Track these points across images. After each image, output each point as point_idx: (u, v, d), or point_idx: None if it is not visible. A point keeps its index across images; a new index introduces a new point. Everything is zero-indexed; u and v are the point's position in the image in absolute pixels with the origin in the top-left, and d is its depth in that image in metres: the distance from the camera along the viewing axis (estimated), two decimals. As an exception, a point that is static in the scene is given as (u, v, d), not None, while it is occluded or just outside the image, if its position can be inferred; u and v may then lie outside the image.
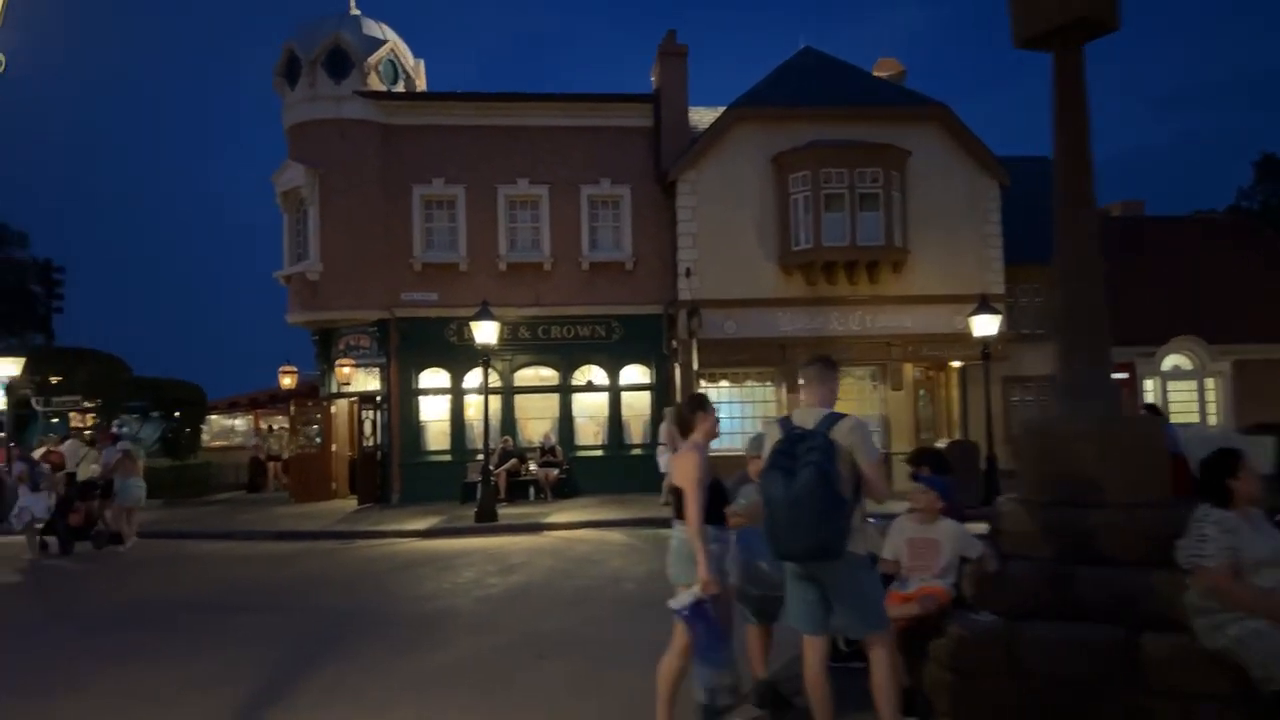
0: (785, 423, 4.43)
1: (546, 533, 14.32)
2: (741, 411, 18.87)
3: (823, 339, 18.30)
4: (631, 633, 7.24)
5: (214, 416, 28.24)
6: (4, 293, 32.69)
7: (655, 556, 11.47)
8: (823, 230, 17.84)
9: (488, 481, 15.10)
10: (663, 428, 16.58)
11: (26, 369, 21.13)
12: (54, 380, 22.10)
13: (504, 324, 16.35)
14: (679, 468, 4.59)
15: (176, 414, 23.56)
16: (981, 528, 5.67)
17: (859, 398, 19.06)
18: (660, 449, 16.34)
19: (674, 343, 18.42)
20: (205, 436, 27.15)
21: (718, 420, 4.83)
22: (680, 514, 4.57)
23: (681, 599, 4.36)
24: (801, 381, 4.59)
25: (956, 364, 19.24)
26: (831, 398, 4.52)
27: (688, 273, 18.17)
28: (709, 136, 18.46)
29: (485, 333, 15.21)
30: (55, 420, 22.13)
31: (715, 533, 4.51)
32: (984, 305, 15.87)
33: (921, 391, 19.25)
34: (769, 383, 18.95)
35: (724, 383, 18.93)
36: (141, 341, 50.12)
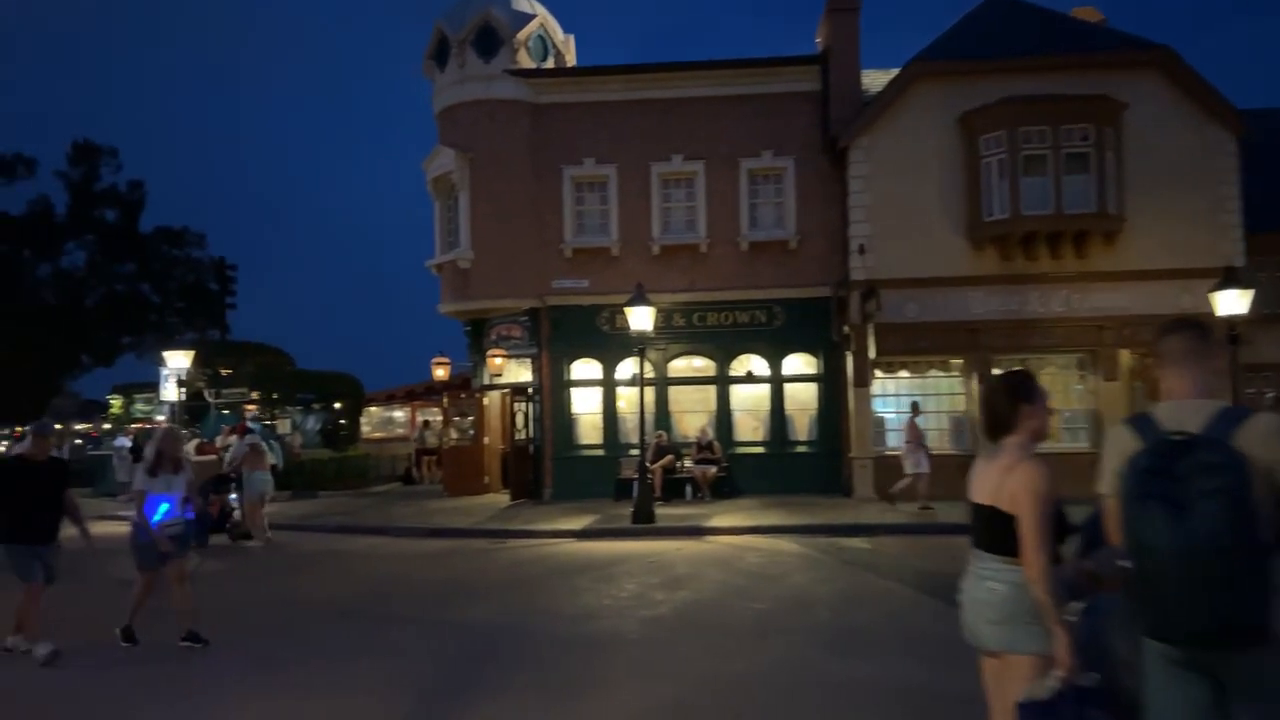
0: (1143, 423, 2.84)
1: (709, 538, 12.99)
2: (922, 406, 16.82)
3: (1020, 322, 16.08)
4: (848, 685, 5.74)
5: (372, 409, 28.72)
6: (186, 290, 34.70)
7: (842, 574, 9.89)
8: (1021, 197, 15.55)
9: (645, 479, 13.91)
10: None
11: (199, 362, 21.82)
12: (225, 373, 22.79)
13: (658, 311, 15.13)
14: (1014, 481, 3.05)
15: (336, 406, 23.89)
16: None
17: (1064, 390, 16.64)
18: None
19: (845, 328, 16.63)
20: (365, 428, 27.62)
21: (1051, 410, 3.29)
22: (991, 545, 3.09)
23: (1035, 688, 2.87)
24: (1163, 359, 2.97)
25: (1182, 350, 16.44)
26: (1216, 385, 2.91)
27: (861, 250, 16.33)
28: (885, 97, 16.50)
29: (640, 319, 14.02)
30: (226, 412, 22.80)
31: (1057, 579, 2.98)
32: (1230, 278, 13.26)
33: (1137, 383, 16.58)
34: (956, 373, 16.82)
35: (903, 373, 16.96)
36: (304, 335, 52.63)
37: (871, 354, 15.73)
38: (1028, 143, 15.62)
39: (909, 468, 14.34)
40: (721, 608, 8.29)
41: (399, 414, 29.35)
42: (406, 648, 7.02)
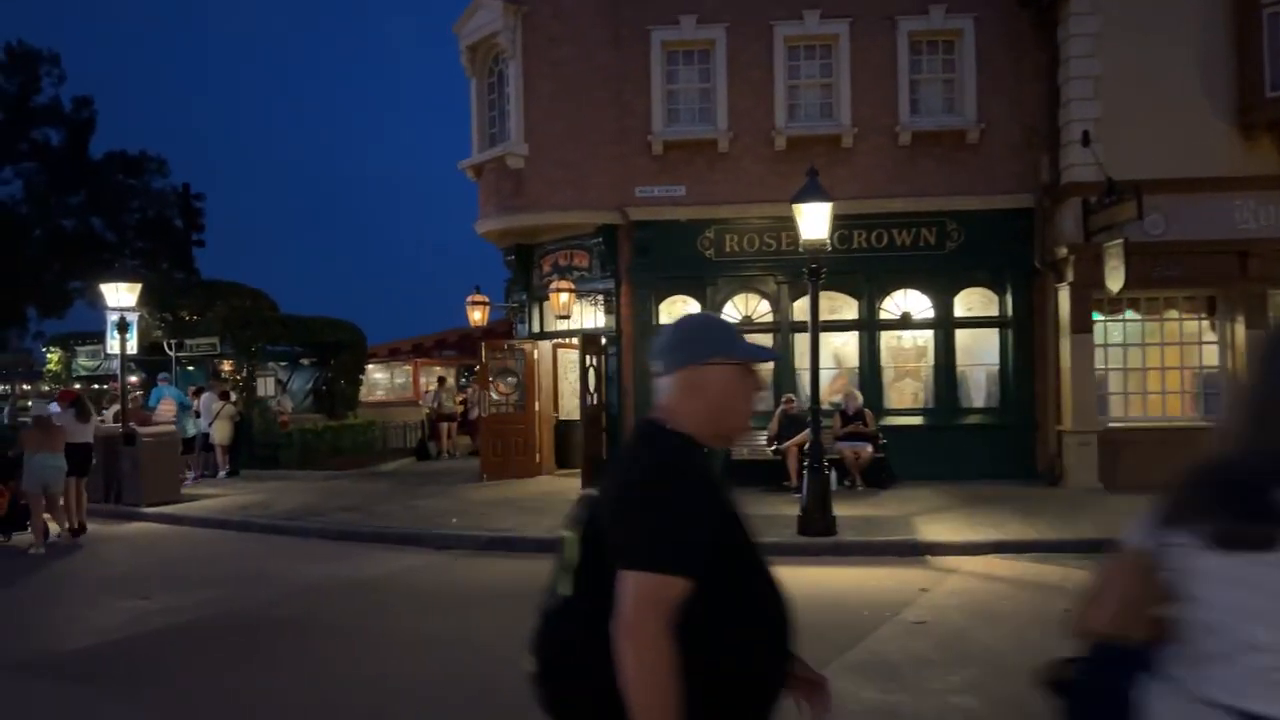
0: None
1: (934, 560, 8.41)
2: (1160, 360, 12.25)
3: (1308, 242, 11.47)
4: None
5: (370, 366, 23.85)
6: (144, 226, 29.32)
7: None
8: (1332, 60, 10.86)
9: (819, 469, 9.22)
10: None
11: (154, 304, 16.90)
12: (189, 319, 17.83)
13: (779, 231, 10.33)
14: None
15: (332, 361, 19.01)
16: None
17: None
18: None
19: (1060, 250, 11.94)
20: (363, 389, 22.77)
21: None
22: None
23: None
24: None
25: None
26: None
27: (1085, 139, 11.57)
28: (1124, -80, 11.66)
29: (813, 222, 9.28)
30: (191, 368, 17.95)
31: None
32: None
33: None
34: (1204, 314, 12.20)
35: (1130, 313, 12.32)
36: (292, 278, 47.11)
37: (1115, 285, 10.99)
38: (1340, -20, 10.88)
39: None
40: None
41: (401, 374, 24.62)
42: None
